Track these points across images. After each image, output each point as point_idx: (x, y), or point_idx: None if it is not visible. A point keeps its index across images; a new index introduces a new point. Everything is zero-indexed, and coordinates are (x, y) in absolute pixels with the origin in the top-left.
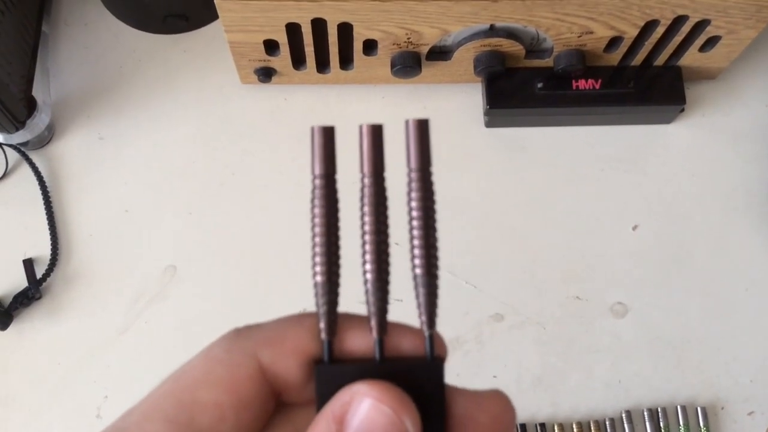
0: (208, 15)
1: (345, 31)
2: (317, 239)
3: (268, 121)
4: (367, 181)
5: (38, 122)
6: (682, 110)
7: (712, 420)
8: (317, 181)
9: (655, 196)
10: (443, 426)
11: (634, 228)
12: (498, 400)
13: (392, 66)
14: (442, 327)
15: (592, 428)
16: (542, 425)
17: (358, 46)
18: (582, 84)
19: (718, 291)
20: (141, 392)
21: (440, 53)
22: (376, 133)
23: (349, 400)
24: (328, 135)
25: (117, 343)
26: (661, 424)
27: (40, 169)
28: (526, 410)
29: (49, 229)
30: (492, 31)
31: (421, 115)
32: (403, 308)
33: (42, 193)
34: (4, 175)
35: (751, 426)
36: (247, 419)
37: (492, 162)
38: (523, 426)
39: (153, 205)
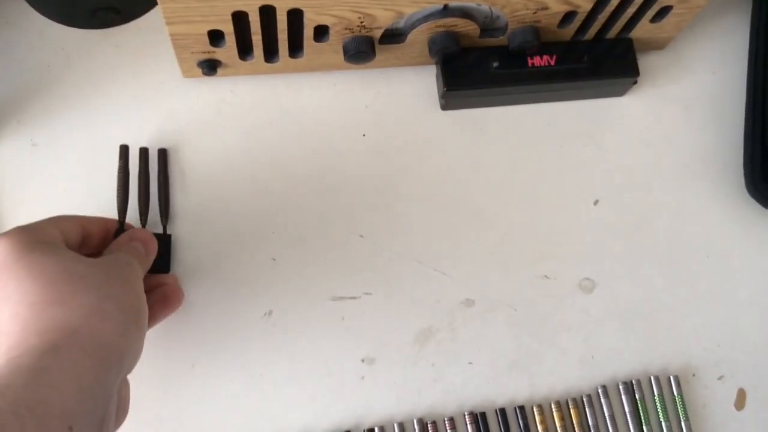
0: (141, 6)
1: (295, 17)
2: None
3: (215, 116)
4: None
5: None
6: (635, 82)
7: (685, 387)
8: None
9: (613, 169)
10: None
11: (596, 202)
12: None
13: (345, 52)
14: (414, 317)
15: (570, 406)
16: (521, 408)
17: (308, 32)
18: (537, 61)
19: (681, 258)
20: None
21: (394, 36)
22: None
23: (134, 231)
24: None
25: None
26: (637, 396)
27: None
28: (504, 394)
29: None
30: (446, 11)
31: (367, 119)
32: None
33: None
34: None
35: (722, 390)
36: (74, 243)
37: (450, 145)
38: (503, 410)
39: (97, 213)
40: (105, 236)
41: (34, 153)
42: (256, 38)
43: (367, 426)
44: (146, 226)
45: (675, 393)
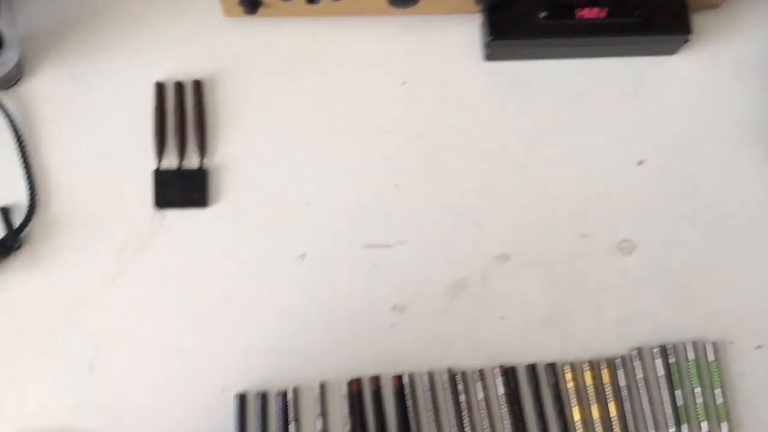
0: None
1: None
2: None
3: (254, 56)
4: None
5: (5, 60)
6: (687, 40)
7: (722, 355)
8: None
9: (659, 130)
10: None
11: (640, 163)
12: None
13: None
14: (448, 268)
15: (602, 367)
16: (552, 365)
17: None
18: (587, 13)
19: (725, 224)
20: (135, 342)
21: None
22: None
23: None
24: None
25: (106, 292)
26: (671, 361)
27: (10, 111)
28: (535, 351)
29: (25, 174)
30: None
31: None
32: None
33: (14, 136)
34: None
35: (760, 359)
36: None
37: (492, 97)
38: (533, 366)
39: (135, 148)
40: None
41: (74, 86)
42: None
43: (394, 373)
44: (183, 161)
45: (711, 360)
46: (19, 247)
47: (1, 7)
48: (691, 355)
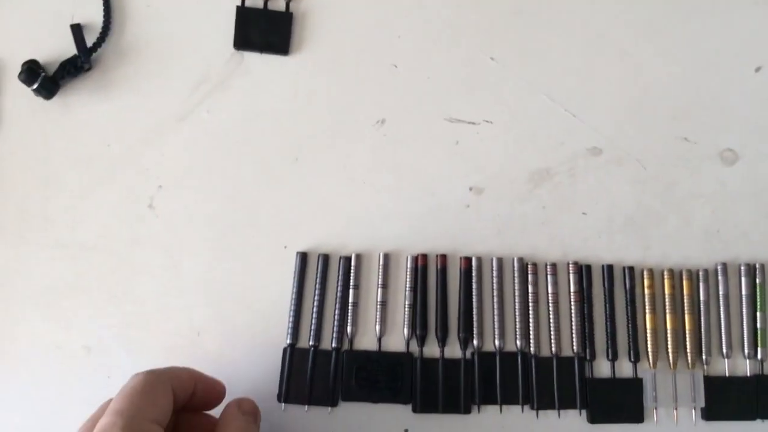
0: None
1: None
2: None
3: None
4: None
5: None
6: None
7: None
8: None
9: None
10: None
11: (757, 70)
12: None
13: None
14: (533, 156)
15: (684, 277)
16: (630, 269)
17: None
18: None
19: None
20: (197, 186)
21: None
22: None
23: (239, 400)
24: None
25: (174, 130)
26: (757, 281)
27: None
28: (614, 252)
29: None
30: None
31: None
32: None
33: None
34: None
35: None
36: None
37: None
38: (610, 267)
39: None
40: (209, 395)
41: None
42: None
43: (465, 254)
44: (268, 2)
45: None
46: (90, 68)
47: None
48: None
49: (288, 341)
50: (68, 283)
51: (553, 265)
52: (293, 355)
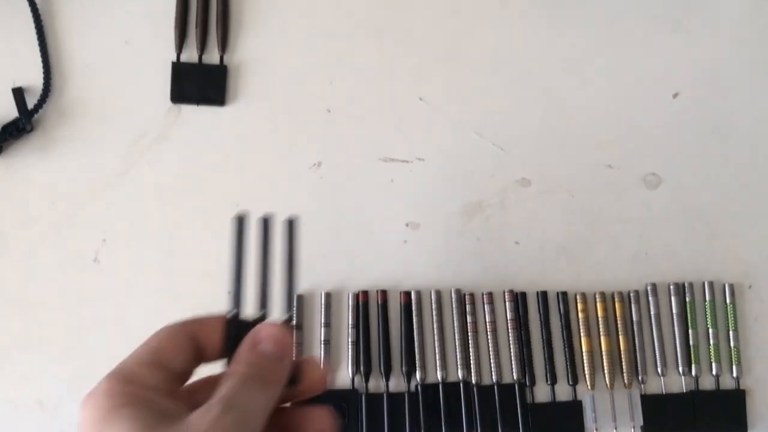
0: None
1: None
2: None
3: None
4: None
5: None
6: None
7: (739, 297)
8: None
9: (700, 62)
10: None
11: (675, 95)
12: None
13: None
14: (466, 190)
15: (615, 299)
16: (564, 294)
17: None
18: None
19: (756, 167)
20: (141, 237)
21: None
22: None
23: (261, 328)
24: None
25: (115, 183)
26: (687, 299)
27: None
28: (547, 279)
29: (41, 56)
30: None
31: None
32: None
33: (33, 16)
34: None
35: None
36: (187, 361)
37: (527, 15)
38: (545, 293)
39: (155, 39)
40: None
41: None
42: None
43: (404, 288)
44: (203, 56)
45: (728, 302)
46: (31, 130)
47: None
48: (707, 296)
49: None
50: (19, 339)
51: (490, 294)
52: None
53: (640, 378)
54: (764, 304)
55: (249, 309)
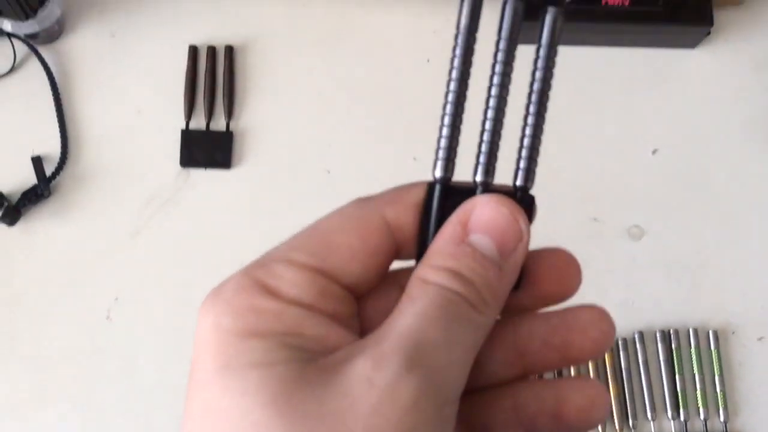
0: None
1: None
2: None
3: (285, 25)
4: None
5: (48, 14)
6: (708, 33)
7: (723, 343)
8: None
9: (675, 120)
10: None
11: (654, 152)
12: (563, 252)
13: None
14: None
15: None
16: None
17: None
18: (611, 0)
19: (735, 217)
20: (152, 296)
21: None
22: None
23: (472, 207)
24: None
25: (128, 245)
26: (673, 346)
27: (49, 65)
28: None
29: (59, 126)
30: None
31: (434, 46)
32: None
33: (51, 89)
34: (13, 68)
35: (761, 350)
36: (372, 265)
37: (514, 77)
38: None
39: (165, 108)
40: (383, 246)
41: (112, 43)
42: None
43: None
44: (210, 123)
45: (712, 347)
46: (49, 195)
47: None
48: (693, 342)
49: None
50: (33, 395)
51: None
52: None
53: (630, 423)
54: (747, 349)
55: None
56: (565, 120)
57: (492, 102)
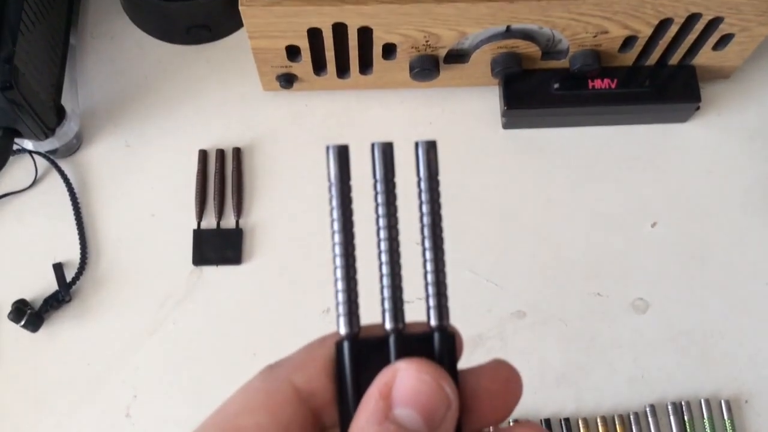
0: (230, 25)
1: (365, 35)
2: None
3: (290, 126)
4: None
5: (67, 130)
6: (698, 108)
7: (736, 413)
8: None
9: (672, 193)
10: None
11: (653, 225)
12: (503, 366)
13: (411, 69)
14: (465, 325)
15: (617, 422)
16: (566, 420)
17: (377, 50)
18: (598, 84)
19: (738, 286)
20: (170, 392)
21: (458, 56)
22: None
23: (392, 376)
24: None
25: (145, 344)
26: (686, 418)
27: (68, 176)
28: (550, 406)
29: (78, 234)
30: (508, 32)
31: (430, 135)
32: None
33: (71, 200)
34: (34, 182)
35: None
36: None
37: (510, 163)
38: (548, 421)
39: (178, 210)
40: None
41: (127, 153)
42: (330, 55)
43: None
44: (220, 221)
45: (725, 417)
46: (69, 300)
47: (66, 86)
48: (706, 413)
49: None
50: None
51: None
52: None
53: None
54: (761, 417)
55: None
56: (564, 199)
57: (383, 245)
